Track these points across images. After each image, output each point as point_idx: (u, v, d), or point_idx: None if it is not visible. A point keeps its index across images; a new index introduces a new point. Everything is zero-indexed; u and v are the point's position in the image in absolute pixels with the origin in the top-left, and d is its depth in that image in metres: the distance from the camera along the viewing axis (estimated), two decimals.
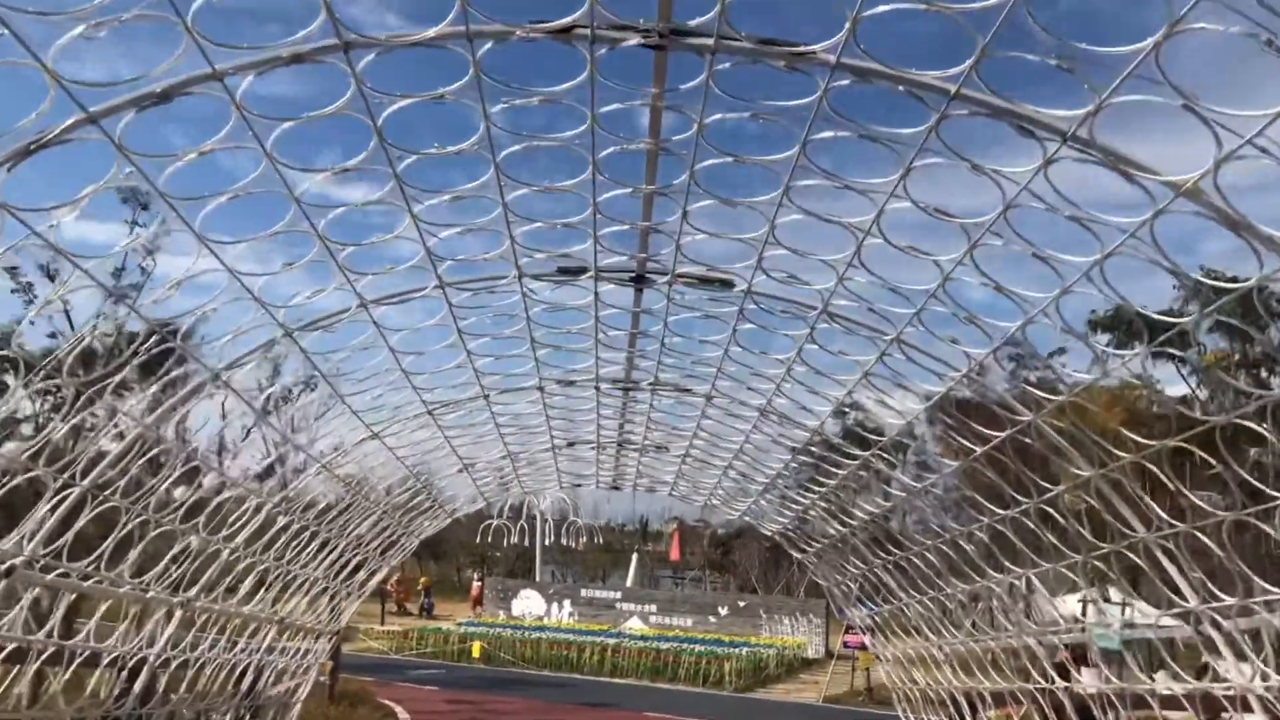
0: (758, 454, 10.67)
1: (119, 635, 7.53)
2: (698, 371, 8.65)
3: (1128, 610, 23.70)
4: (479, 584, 46.74)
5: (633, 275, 6.70)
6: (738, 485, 12.36)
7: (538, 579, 47.80)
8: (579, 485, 13.84)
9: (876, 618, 12.28)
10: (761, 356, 7.88)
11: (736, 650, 30.14)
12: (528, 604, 40.91)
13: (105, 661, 7.46)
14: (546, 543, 50.51)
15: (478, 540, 56.59)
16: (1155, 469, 6.09)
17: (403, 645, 33.54)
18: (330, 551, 10.92)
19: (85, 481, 6.24)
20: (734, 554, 66.45)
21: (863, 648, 27.67)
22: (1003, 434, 7.16)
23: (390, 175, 5.09)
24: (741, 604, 38.29)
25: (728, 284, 6.65)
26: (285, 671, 11.95)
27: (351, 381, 7.85)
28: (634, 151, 5.02)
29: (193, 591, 8.40)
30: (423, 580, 50.91)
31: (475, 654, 31.33)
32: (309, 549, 10.29)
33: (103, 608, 7.36)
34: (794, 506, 11.85)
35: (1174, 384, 33.22)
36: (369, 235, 5.93)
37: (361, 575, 12.40)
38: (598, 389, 9.16)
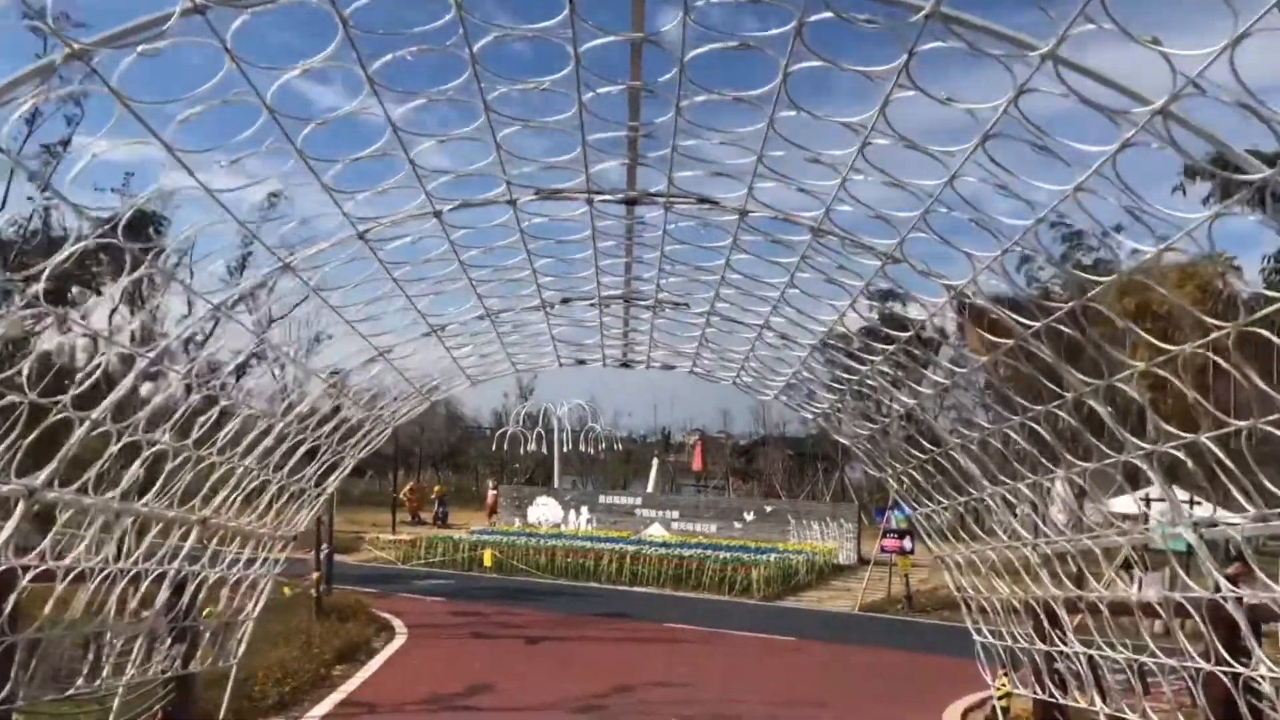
0: (805, 303, 8.24)
1: None
2: (729, 167, 6.15)
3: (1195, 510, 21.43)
4: (494, 492, 44.97)
5: None
6: (775, 354, 9.96)
7: (556, 486, 45.95)
8: (582, 361, 11.47)
9: (944, 513, 9.98)
10: (825, 126, 5.37)
11: (763, 557, 28.15)
12: (544, 511, 39.05)
13: None
14: (564, 450, 48.77)
15: (493, 449, 55.28)
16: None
17: (411, 555, 31.81)
18: (263, 435, 8.65)
19: None
20: (757, 462, 64.95)
21: (901, 552, 25.57)
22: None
23: None
24: (768, 509, 36.22)
25: None
26: (224, 585, 9.80)
27: (241, 176, 5.41)
28: None
29: (40, 479, 6.13)
30: (436, 488, 49.33)
31: (486, 563, 29.52)
32: (227, 429, 8.01)
33: None
34: (848, 377, 9.46)
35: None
36: None
37: (315, 468, 10.14)
38: (590, 201, 6.67)
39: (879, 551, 26.36)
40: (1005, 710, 11.59)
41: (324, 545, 21.05)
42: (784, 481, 58.54)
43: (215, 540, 9.10)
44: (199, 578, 8.99)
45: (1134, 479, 7.14)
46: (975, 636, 10.80)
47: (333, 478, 10.98)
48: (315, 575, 18.58)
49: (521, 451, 50.99)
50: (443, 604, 23.55)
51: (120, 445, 6.58)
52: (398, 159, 5.77)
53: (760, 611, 24.11)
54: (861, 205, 6.08)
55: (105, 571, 7.33)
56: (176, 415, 7.14)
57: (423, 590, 25.55)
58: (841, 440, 11.36)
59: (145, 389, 7.17)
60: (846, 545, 33.70)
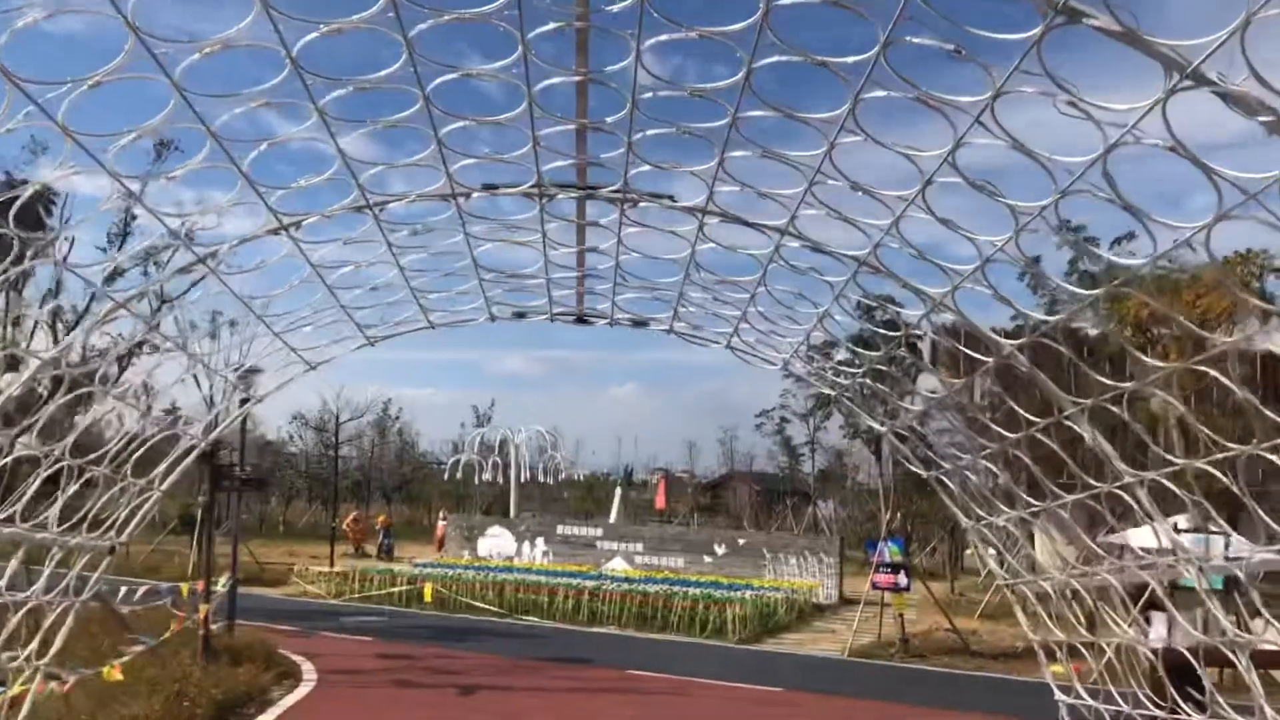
0: (858, 171, 5.27)
1: None
2: None
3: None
4: (443, 523, 41.52)
5: None
6: (794, 289, 6.96)
7: (513, 516, 42.48)
8: (521, 315, 8.41)
9: (1042, 519, 6.98)
10: None
11: (738, 594, 24.99)
12: (496, 543, 35.66)
13: None
14: (523, 480, 45.49)
15: (447, 478, 51.74)
16: None
17: (343, 589, 28.33)
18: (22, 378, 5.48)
19: None
20: (724, 498, 62.33)
21: (896, 589, 22.56)
22: None
23: None
24: (741, 542, 33.05)
25: None
26: None
27: None
28: None
29: None
30: (380, 519, 45.74)
31: (427, 598, 26.07)
32: None
33: None
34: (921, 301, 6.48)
35: None
36: None
37: (118, 445, 6.91)
38: None
39: (870, 588, 23.31)
40: None
41: (226, 575, 17.75)
42: (751, 517, 55.75)
43: None
44: None
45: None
46: (1060, 696, 7.77)
47: (175, 464, 7.77)
48: (203, 608, 15.17)
49: (477, 481, 47.59)
50: (369, 644, 20.16)
51: None
52: None
53: (737, 656, 20.94)
54: None
55: None
56: None
57: (349, 629, 22.11)
58: (874, 426, 8.36)
59: None
60: (827, 582, 30.64)
